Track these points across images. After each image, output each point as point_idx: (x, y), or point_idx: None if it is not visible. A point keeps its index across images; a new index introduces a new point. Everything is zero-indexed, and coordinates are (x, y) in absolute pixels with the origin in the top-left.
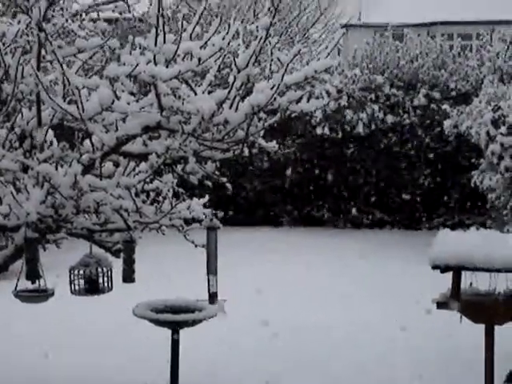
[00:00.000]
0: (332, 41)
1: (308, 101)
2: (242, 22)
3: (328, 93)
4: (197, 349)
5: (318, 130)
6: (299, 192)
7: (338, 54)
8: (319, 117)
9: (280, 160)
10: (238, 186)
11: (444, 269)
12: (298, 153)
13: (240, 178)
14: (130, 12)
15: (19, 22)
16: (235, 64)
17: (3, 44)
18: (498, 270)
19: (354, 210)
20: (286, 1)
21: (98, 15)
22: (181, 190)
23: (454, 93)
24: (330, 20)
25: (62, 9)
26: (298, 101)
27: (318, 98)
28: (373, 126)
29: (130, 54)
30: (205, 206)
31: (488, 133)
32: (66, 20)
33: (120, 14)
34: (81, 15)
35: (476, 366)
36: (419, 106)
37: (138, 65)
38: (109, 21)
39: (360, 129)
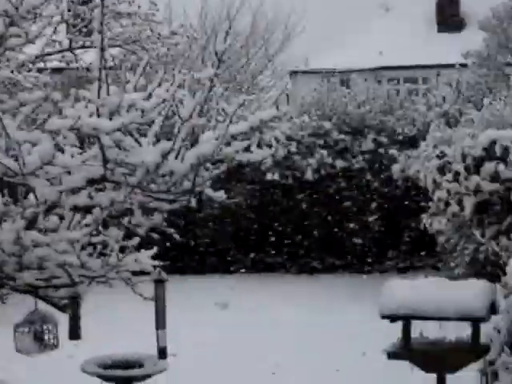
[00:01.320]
0: (280, 87)
1: (258, 146)
2: (189, 70)
3: (277, 139)
4: None
5: (268, 176)
6: (251, 238)
7: (288, 99)
8: (269, 163)
9: (231, 207)
10: (188, 234)
11: (393, 319)
12: (249, 199)
13: (190, 225)
14: (76, 62)
15: None
16: (178, 115)
17: None
18: (448, 319)
19: (304, 255)
20: (234, 48)
21: (45, 65)
22: (125, 243)
23: (401, 137)
24: (277, 66)
25: (8, 60)
26: (248, 148)
27: (267, 145)
28: (322, 171)
29: (73, 106)
30: (153, 257)
31: (434, 180)
32: (12, 71)
33: (67, 64)
34: (28, 66)
35: None
36: (367, 151)
37: (79, 117)
38: (56, 70)
39: (309, 174)
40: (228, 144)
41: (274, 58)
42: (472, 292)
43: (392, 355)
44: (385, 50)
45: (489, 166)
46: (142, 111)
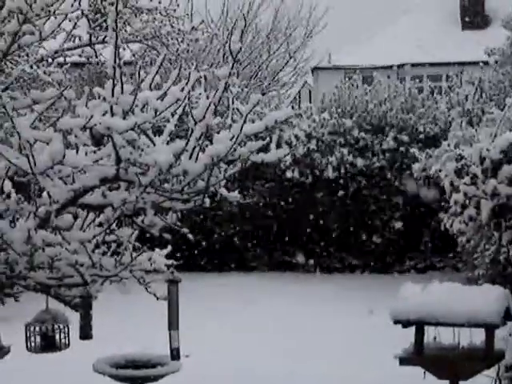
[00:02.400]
0: (301, 84)
1: (278, 145)
2: (210, 65)
3: (297, 137)
4: None
5: (288, 174)
6: (270, 237)
7: (309, 96)
8: (289, 161)
9: (250, 204)
10: (206, 232)
11: (405, 324)
12: (267, 197)
13: (208, 223)
14: (96, 57)
15: None
16: (191, 115)
17: None
18: (462, 325)
19: (323, 254)
20: (255, 44)
21: (65, 60)
22: (137, 244)
23: (422, 136)
24: (299, 63)
25: (27, 54)
26: (267, 146)
27: (287, 143)
28: (342, 170)
29: (87, 104)
30: (167, 256)
31: (452, 182)
32: (31, 66)
33: (87, 59)
34: (47, 60)
35: None
36: (388, 150)
37: (92, 117)
38: (77, 65)
39: (329, 172)
40: (243, 144)
41: (295, 54)
42: (486, 298)
43: (404, 361)
44: (408, 47)
45: (507, 169)
46: (156, 110)
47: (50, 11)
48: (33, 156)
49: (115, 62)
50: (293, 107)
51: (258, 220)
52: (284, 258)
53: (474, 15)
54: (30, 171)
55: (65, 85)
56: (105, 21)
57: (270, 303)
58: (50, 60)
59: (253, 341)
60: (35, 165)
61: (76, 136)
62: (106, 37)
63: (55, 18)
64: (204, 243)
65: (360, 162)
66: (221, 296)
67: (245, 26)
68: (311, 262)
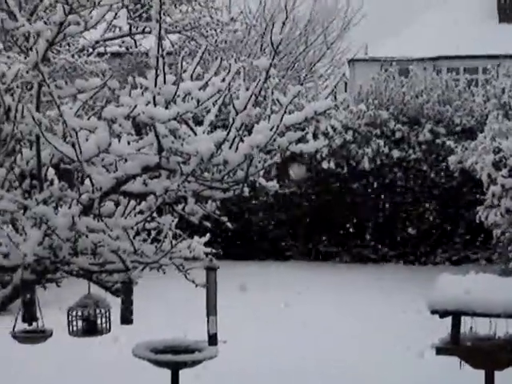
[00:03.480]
0: (338, 75)
1: (314, 136)
2: (248, 56)
3: (334, 128)
4: None
5: (324, 165)
6: (305, 226)
7: (345, 88)
8: (325, 152)
9: (285, 194)
10: (243, 220)
11: (442, 314)
12: (304, 187)
13: (246, 212)
14: (136, 47)
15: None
16: (233, 106)
17: (3, 84)
18: (498, 316)
19: (358, 245)
20: (292, 36)
21: (105, 50)
22: (178, 231)
23: (458, 128)
24: (336, 54)
25: (68, 44)
26: (304, 137)
27: (323, 133)
28: (378, 161)
29: (130, 94)
30: (206, 244)
31: (489, 175)
32: (72, 56)
33: (127, 49)
34: (88, 50)
35: None
36: (424, 142)
37: (135, 106)
38: (116, 55)
39: (365, 164)
40: (282, 134)
41: (332, 45)
42: None
43: (441, 351)
44: (445, 39)
45: None
46: (198, 101)
47: (94, 2)
48: (78, 144)
49: (158, 52)
50: (335, 97)
51: (294, 210)
52: (319, 248)
53: (511, 8)
54: (75, 159)
55: (108, 75)
56: (144, 11)
57: (306, 292)
58: (90, 50)
59: (287, 328)
60: (81, 152)
61: (120, 125)
62: (145, 27)
63: (100, 7)
64: (242, 231)
65: (396, 153)
66: (257, 284)
67: (286, 18)
68: (346, 252)
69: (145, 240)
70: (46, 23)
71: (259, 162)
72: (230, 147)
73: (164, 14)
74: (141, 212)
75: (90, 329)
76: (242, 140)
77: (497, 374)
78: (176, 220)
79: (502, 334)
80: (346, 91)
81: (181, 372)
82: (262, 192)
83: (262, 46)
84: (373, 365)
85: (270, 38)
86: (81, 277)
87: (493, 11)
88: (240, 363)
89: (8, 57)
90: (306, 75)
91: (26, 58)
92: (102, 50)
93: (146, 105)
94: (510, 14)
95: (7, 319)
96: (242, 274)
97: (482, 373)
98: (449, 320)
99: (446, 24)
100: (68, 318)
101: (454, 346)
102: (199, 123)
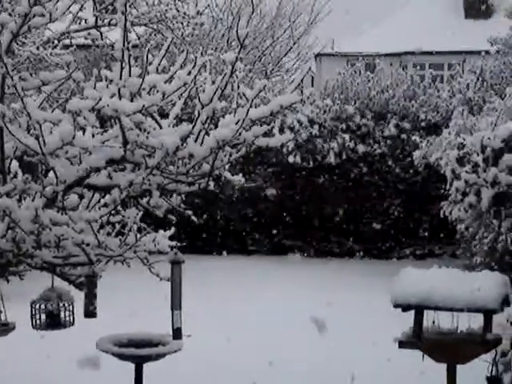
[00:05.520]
0: (304, 70)
1: (280, 130)
2: (215, 49)
3: (300, 122)
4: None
5: (290, 159)
6: (269, 220)
7: (312, 82)
8: (291, 146)
9: (250, 189)
10: (208, 215)
11: (405, 308)
12: (269, 182)
13: (210, 206)
14: (102, 39)
15: None
16: (199, 99)
17: None
18: (461, 310)
19: (323, 239)
20: (259, 30)
21: (71, 42)
22: (143, 225)
23: (424, 123)
24: (303, 49)
25: (34, 36)
26: (270, 131)
27: (290, 128)
28: (344, 156)
29: (95, 86)
30: (171, 238)
31: (453, 170)
32: (38, 48)
33: (92, 41)
34: (53, 42)
35: None
36: (389, 137)
37: (100, 99)
38: (82, 47)
39: (331, 158)
40: (248, 128)
41: (299, 40)
42: (485, 283)
43: (403, 344)
44: (411, 35)
45: (508, 158)
46: (163, 94)
47: None
48: (42, 136)
49: (124, 44)
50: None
51: (259, 204)
52: (283, 242)
53: (477, 4)
54: (39, 151)
55: (73, 67)
56: (111, 3)
57: (268, 287)
58: (55, 42)
59: (252, 323)
60: (45, 145)
61: (85, 118)
62: (111, 19)
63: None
64: (207, 225)
65: (361, 148)
66: (222, 278)
67: (252, 12)
68: (310, 246)
69: (109, 233)
70: (10, 15)
71: (225, 156)
72: (196, 141)
73: (130, 7)
74: (105, 205)
75: (54, 322)
76: (207, 133)
77: (458, 367)
78: (141, 213)
79: (464, 328)
80: (312, 86)
81: (145, 366)
82: (228, 187)
83: (228, 39)
84: (340, 361)
85: (237, 31)
86: (44, 270)
87: (459, 7)
88: (204, 358)
89: None
90: (273, 69)
91: None
92: (67, 42)
93: (111, 97)
94: (475, 10)
95: None
96: (208, 267)
97: (444, 366)
98: (412, 314)
99: (413, 20)
100: (31, 311)
101: (416, 339)
102: (165, 116)
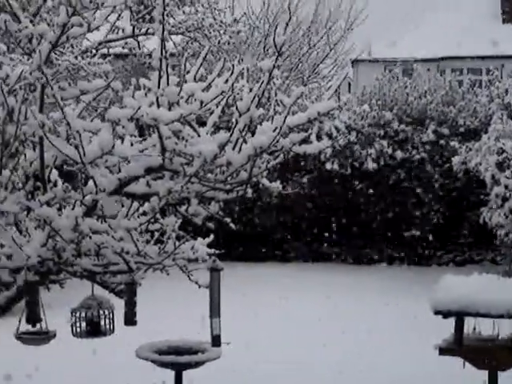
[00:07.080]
0: (341, 76)
1: (317, 137)
2: (251, 56)
3: (337, 129)
4: None
5: (328, 166)
6: (308, 227)
7: (349, 89)
8: (328, 153)
9: (289, 195)
10: (246, 221)
11: (446, 314)
12: (307, 188)
13: (249, 213)
14: (139, 49)
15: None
16: (236, 107)
17: (6, 85)
18: (501, 316)
19: (362, 246)
20: (296, 37)
21: (108, 51)
22: (182, 233)
23: (462, 129)
24: (339, 55)
25: (72, 46)
26: (308, 138)
27: (327, 134)
28: (381, 162)
29: (133, 95)
30: (209, 245)
31: (493, 176)
32: (76, 57)
33: (130, 50)
34: (91, 52)
35: None
36: (428, 142)
37: (139, 108)
38: (119, 56)
39: (369, 164)
40: (286, 135)
41: (335, 46)
42: None
43: (444, 351)
44: (448, 40)
45: None
46: (201, 102)
47: (97, 3)
48: (82, 146)
49: (162, 53)
50: (338, 98)
51: (297, 211)
52: (322, 250)
53: None
54: (79, 160)
55: (111, 76)
56: (148, 13)
57: (307, 294)
58: (93, 51)
59: (293, 330)
60: (84, 154)
61: (123, 127)
62: (148, 29)
63: (104, 8)
64: (246, 233)
65: (400, 154)
66: (261, 285)
67: (289, 19)
68: (350, 253)
69: (148, 241)
70: (49, 25)
71: (262, 163)
72: (233, 148)
73: (167, 16)
74: (144, 213)
75: (94, 330)
76: (245, 141)
77: (500, 374)
78: (179, 221)
79: (505, 335)
80: (349, 92)
81: (184, 373)
82: (265, 193)
83: (265, 47)
84: (379, 364)
85: (274, 39)
86: (84, 278)
87: (496, 12)
88: (243, 365)
89: (11, 58)
90: (310, 76)
91: (29, 59)
92: (105, 51)
93: (150, 106)
94: None
95: (11, 320)
96: (247, 275)
97: (484, 373)
98: (453, 321)
99: (450, 25)
100: (71, 319)
101: (457, 346)
102: (202, 124)
